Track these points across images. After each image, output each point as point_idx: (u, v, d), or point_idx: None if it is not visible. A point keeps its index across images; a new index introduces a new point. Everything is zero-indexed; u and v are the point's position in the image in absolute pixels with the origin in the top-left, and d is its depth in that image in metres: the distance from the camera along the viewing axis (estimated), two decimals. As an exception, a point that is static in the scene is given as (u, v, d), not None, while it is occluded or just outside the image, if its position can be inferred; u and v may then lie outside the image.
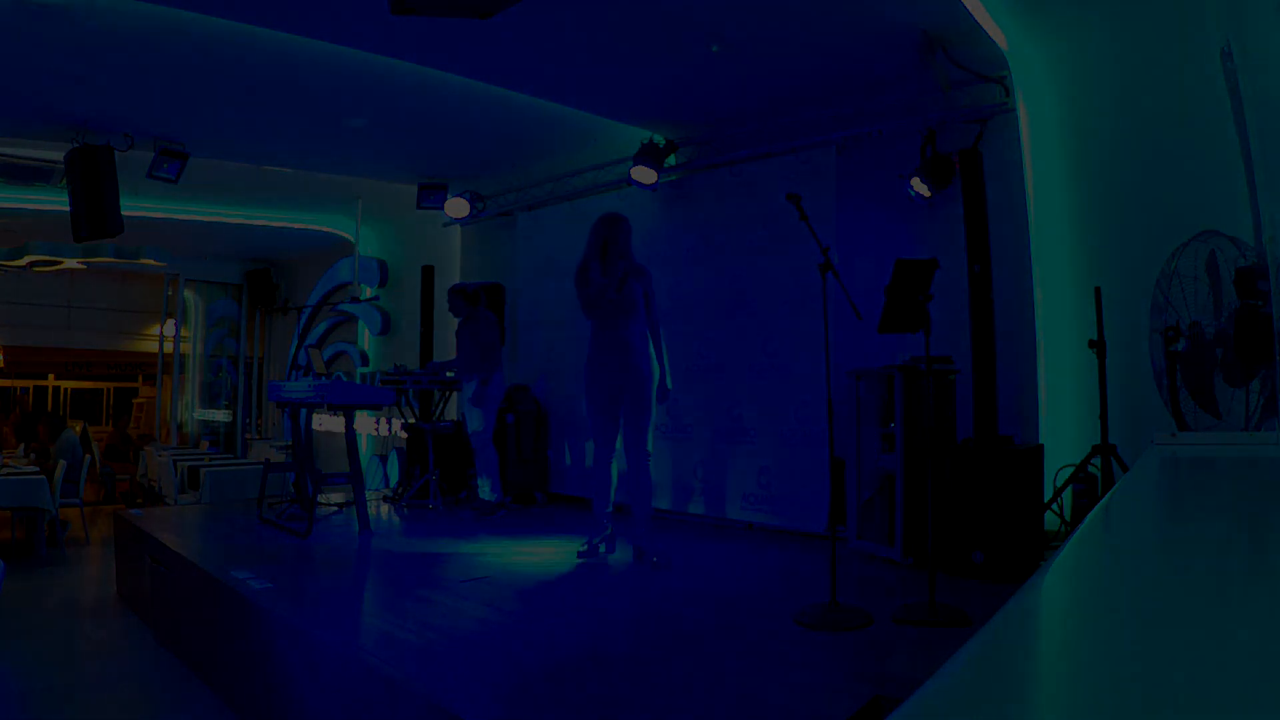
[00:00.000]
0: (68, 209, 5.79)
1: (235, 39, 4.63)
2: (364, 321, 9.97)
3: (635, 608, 3.62)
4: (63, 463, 7.06)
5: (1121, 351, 4.17)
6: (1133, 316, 4.00)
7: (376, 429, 9.31)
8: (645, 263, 4.54)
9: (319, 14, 4.35)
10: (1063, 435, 4.52)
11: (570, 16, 4.42)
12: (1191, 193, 3.93)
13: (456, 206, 7.63)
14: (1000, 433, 4.29)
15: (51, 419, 8.36)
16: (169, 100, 5.61)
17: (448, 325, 6.98)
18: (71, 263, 9.67)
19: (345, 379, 6.16)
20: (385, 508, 6.33)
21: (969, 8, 4.18)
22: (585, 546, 4.43)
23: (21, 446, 8.43)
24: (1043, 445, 4.29)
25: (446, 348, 7.08)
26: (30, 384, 14.52)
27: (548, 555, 4.58)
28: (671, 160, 6.19)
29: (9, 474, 6.39)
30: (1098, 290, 4.16)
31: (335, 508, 6.02)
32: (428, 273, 7.93)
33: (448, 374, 6.57)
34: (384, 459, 8.77)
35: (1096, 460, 4.15)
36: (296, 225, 9.83)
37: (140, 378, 15.05)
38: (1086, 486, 4.22)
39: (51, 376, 14.81)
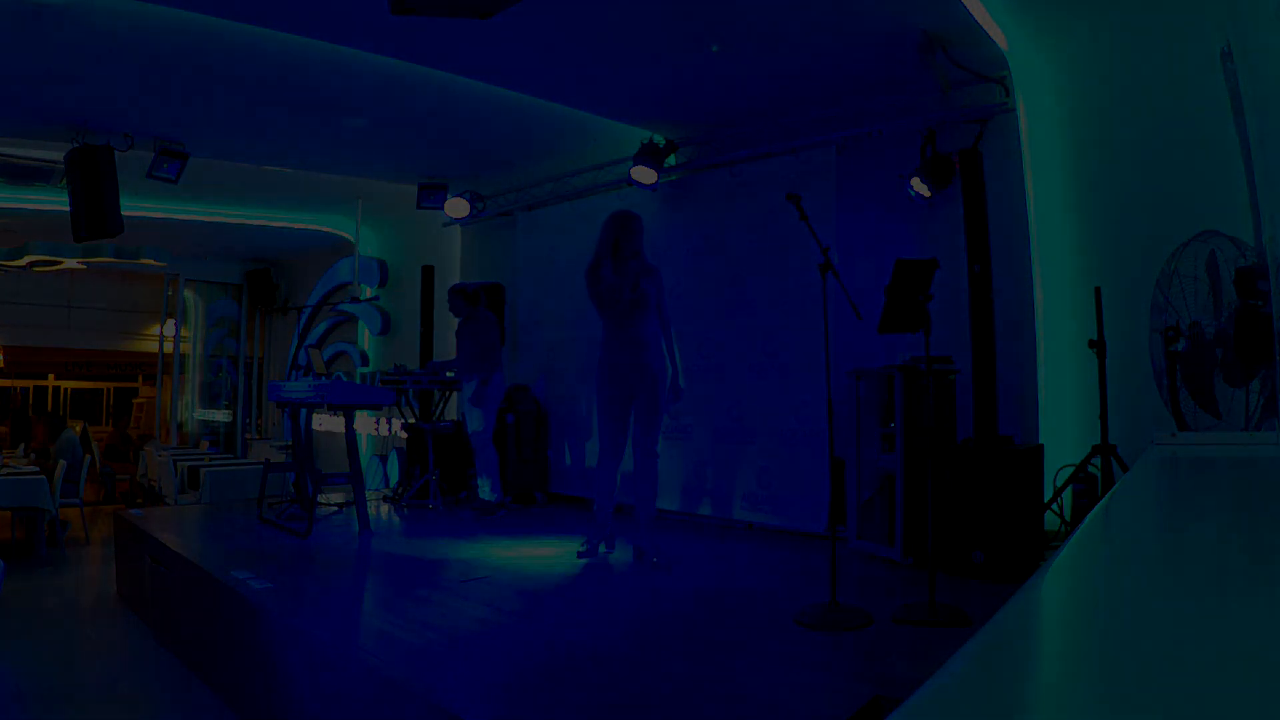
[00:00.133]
0: (68, 209, 5.79)
1: (235, 39, 4.63)
2: (364, 321, 9.97)
3: (635, 608, 3.62)
4: (63, 463, 7.06)
5: (1121, 351, 4.17)
6: (1133, 316, 4.00)
7: (376, 429, 9.31)
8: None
9: (319, 14, 4.35)
10: (1063, 435, 4.52)
11: (570, 16, 4.42)
12: (1191, 193, 3.93)
13: (456, 206, 7.63)
14: (1000, 433, 4.29)
15: (51, 419, 8.36)
16: (169, 100, 5.61)
17: (448, 325, 6.98)
18: (71, 263, 9.67)
19: (345, 379, 6.16)
20: (385, 508, 6.33)
21: (969, 8, 4.18)
22: (585, 546, 4.43)
23: (21, 446, 8.43)
24: (1043, 445, 4.28)
25: (446, 348, 7.08)
26: (30, 384, 14.52)
27: (548, 555, 4.58)
28: (671, 160, 6.19)
29: (9, 474, 6.39)
30: (1098, 290, 4.16)
31: (335, 508, 6.02)
32: (428, 273, 7.93)
33: (448, 374, 6.57)
34: (384, 459, 8.77)
35: (1096, 460, 4.15)
36: (296, 225, 9.83)
37: (140, 378, 15.05)
38: (1086, 486, 4.22)
39: (51, 376, 14.81)
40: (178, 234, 9.69)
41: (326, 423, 9.01)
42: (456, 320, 6.27)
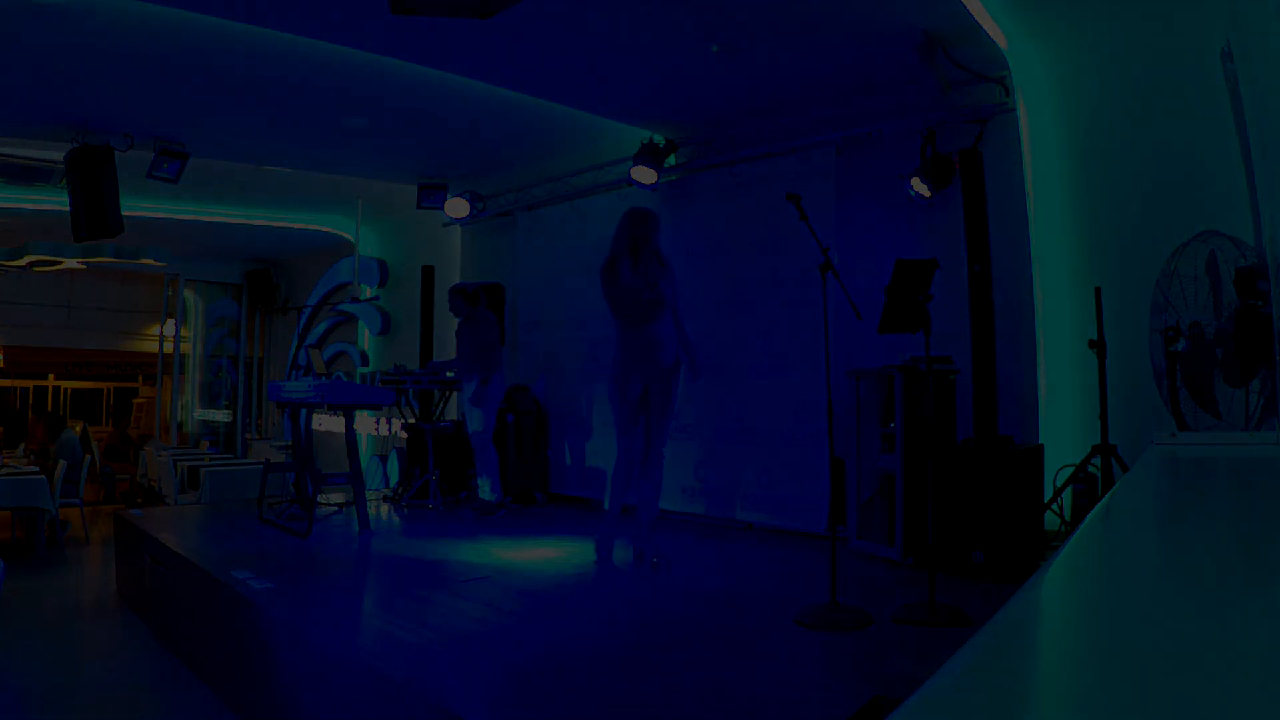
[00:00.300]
0: (68, 209, 5.79)
1: (235, 39, 4.63)
2: (364, 321, 9.98)
3: (635, 607, 3.61)
4: (63, 463, 7.06)
5: (1121, 351, 4.17)
6: (1133, 316, 4.01)
7: (376, 429, 9.31)
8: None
9: (319, 14, 4.35)
10: (1063, 435, 4.52)
11: (570, 16, 4.42)
12: (1191, 193, 3.93)
13: (456, 206, 7.63)
14: (1000, 433, 4.29)
15: (51, 419, 8.36)
16: (169, 100, 5.61)
17: (448, 325, 6.98)
18: (71, 263, 9.67)
19: (345, 379, 6.16)
20: (385, 508, 6.33)
21: (969, 8, 4.18)
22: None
23: (21, 446, 8.42)
24: (1043, 445, 4.29)
25: (446, 348, 7.08)
26: (30, 384, 14.52)
27: (548, 555, 4.58)
28: (671, 160, 6.19)
29: (9, 474, 6.39)
30: (1098, 290, 4.16)
31: (335, 508, 6.02)
32: (428, 273, 7.93)
33: (448, 374, 6.57)
34: (384, 459, 8.77)
35: (1096, 460, 4.15)
36: (296, 225, 9.83)
37: (140, 378, 15.05)
38: (1086, 486, 4.22)
39: (51, 376, 14.81)
40: (178, 234, 9.69)
41: (326, 423, 9.01)
42: (456, 320, 6.27)
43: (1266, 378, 3.18)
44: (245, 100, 5.71)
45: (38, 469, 6.71)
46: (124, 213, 5.86)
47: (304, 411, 5.63)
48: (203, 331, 12.27)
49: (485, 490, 5.97)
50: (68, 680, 3.76)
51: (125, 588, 5.23)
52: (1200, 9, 3.80)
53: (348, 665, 2.78)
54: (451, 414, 7.56)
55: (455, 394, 7.17)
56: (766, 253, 5.50)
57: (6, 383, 13.79)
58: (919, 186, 4.87)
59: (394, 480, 8.11)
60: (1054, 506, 4.29)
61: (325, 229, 9.92)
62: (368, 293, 9.80)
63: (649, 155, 5.95)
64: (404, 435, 7.26)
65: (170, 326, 11.80)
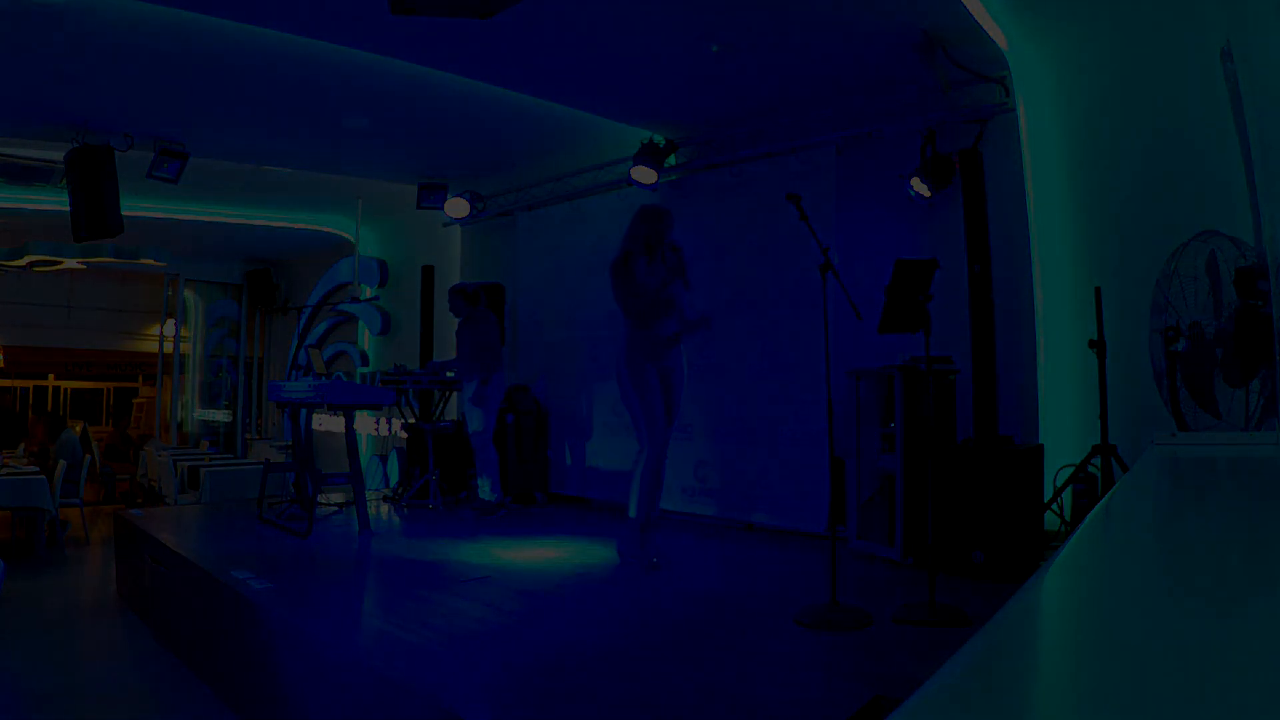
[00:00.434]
0: (68, 209, 5.79)
1: (235, 39, 4.63)
2: (364, 321, 9.98)
3: (635, 608, 3.61)
4: (63, 463, 7.06)
5: (1121, 351, 4.17)
6: (1133, 316, 4.00)
7: (376, 429, 9.31)
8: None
9: (319, 14, 4.35)
10: (1063, 435, 4.52)
11: (570, 16, 4.42)
12: (1191, 193, 3.93)
13: (456, 206, 7.63)
14: (1000, 433, 4.29)
15: (51, 419, 8.36)
16: (169, 100, 5.61)
17: (448, 325, 6.98)
18: (71, 263, 9.66)
19: (345, 379, 6.16)
20: (385, 508, 6.33)
21: (969, 8, 4.18)
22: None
23: (21, 446, 8.42)
24: (1043, 445, 4.28)
25: (446, 348, 7.08)
26: (30, 384, 14.52)
27: (548, 555, 4.58)
28: (671, 160, 6.19)
29: (9, 474, 6.39)
30: (1098, 290, 4.16)
31: (335, 508, 6.02)
32: (428, 273, 7.93)
33: (448, 374, 6.57)
34: (384, 459, 8.77)
35: (1096, 460, 4.15)
36: (296, 225, 9.83)
37: (140, 378, 15.05)
38: (1086, 486, 4.22)
39: (51, 376, 14.81)
40: (178, 234, 9.69)
41: (326, 423, 9.01)
42: (456, 320, 6.27)
43: (1266, 378, 3.18)
44: (245, 100, 5.71)
45: (38, 469, 6.71)
46: (124, 213, 5.86)
47: (304, 411, 5.63)
48: (203, 331, 12.27)
49: (485, 490, 5.97)
50: (68, 680, 3.76)
51: (125, 588, 5.23)
52: (1200, 9, 3.80)
53: (348, 665, 2.78)
54: (451, 414, 7.56)
55: (455, 394, 7.17)
56: (766, 253, 5.50)
57: (6, 383, 13.79)
58: (919, 186, 4.87)
59: (394, 480, 8.11)
60: (1054, 506, 4.29)
61: (325, 229, 9.92)
62: (368, 293, 9.80)
63: (649, 155, 5.95)
64: (404, 435, 7.26)
65: (170, 326, 11.80)
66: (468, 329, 6.03)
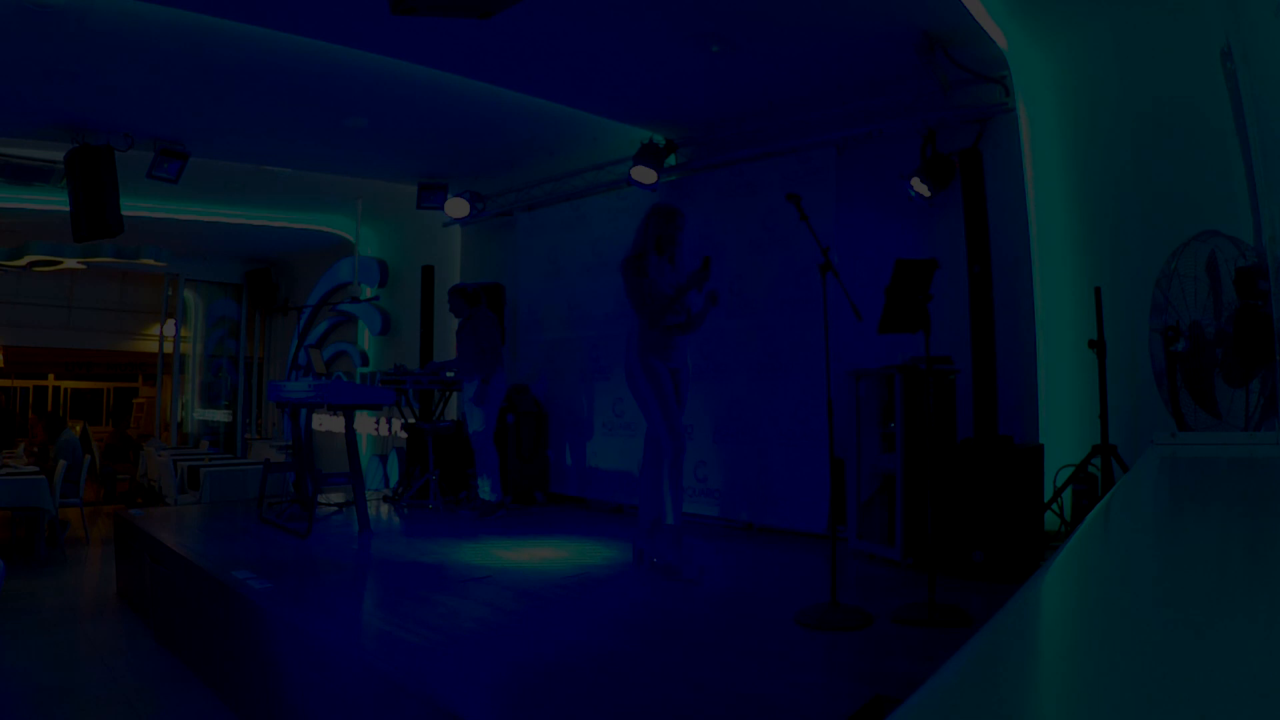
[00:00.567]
0: (68, 209, 5.79)
1: (235, 39, 4.63)
2: (364, 321, 9.98)
3: (635, 608, 3.61)
4: (63, 463, 7.06)
5: (1121, 351, 4.17)
6: (1133, 316, 4.00)
7: (376, 429, 9.31)
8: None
9: (319, 14, 4.35)
10: (1063, 435, 4.52)
11: (570, 16, 4.42)
12: (1191, 193, 3.92)
13: (456, 206, 7.63)
14: (1000, 433, 4.29)
15: (51, 419, 8.36)
16: (169, 100, 5.61)
17: (448, 325, 6.98)
18: (71, 263, 9.67)
19: (345, 379, 6.16)
20: (385, 508, 6.33)
21: (969, 8, 4.18)
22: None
23: (21, 446, 8.42)
24: (1043, 445, 4.28)
25: (446, 348, 7.08)
26: (30, 384, 14.52)
27: (548, 555, 4.58)
28: (671, 160, 6.19)
29: (9, 474, 6.39)
30: (1098, 290, 4.16)
31: (335, 508, 6.02)
32: (428, 273, 7.93)
33: (448, 374, 6.57)
34: (384, 459, 8.77)
35: (1096, 460, 4.15)
36: (296, 225, 9.83)
37: (140, 378, 15.06)
38: (1086, 486, 4.22)
39: (51, 376, 14.81)
40: (178, 234, 9.69)
41: (326, 423, 9.02)
42: (457, 320, 6.27)
43: (1266, 378, 3.18)
44: (245, 101, 5.71)
45: (38, 469, 6.71)
46: (124, 213, 5.86)
47: (304, 411, 5.63)
48: (203, 331, 12.27)
49: (485, 490, 5.97)
50: (68, 680, 3.76)
51: (125, 588, 5.23)
52: (1200, 9, 3.80)
53: (348, 665, 2.78)
54: (451, 414, 7.56)
55: (455, 394, 7.17)
56: (766, 253, 5.50)
57: (6, 383, 13.79)
58: (919, 186, 4.87)
59: (394, 480, 8.11)
60: (1054, 506, 4.29)
61: (325, 229, 9.92)
62: (368, 293, 9.80)
63: (649, 155, 5.95)
64: (404, 435, 7.26)
65: (170, 326, 11.80)
66: (468, 329, 6.03)
